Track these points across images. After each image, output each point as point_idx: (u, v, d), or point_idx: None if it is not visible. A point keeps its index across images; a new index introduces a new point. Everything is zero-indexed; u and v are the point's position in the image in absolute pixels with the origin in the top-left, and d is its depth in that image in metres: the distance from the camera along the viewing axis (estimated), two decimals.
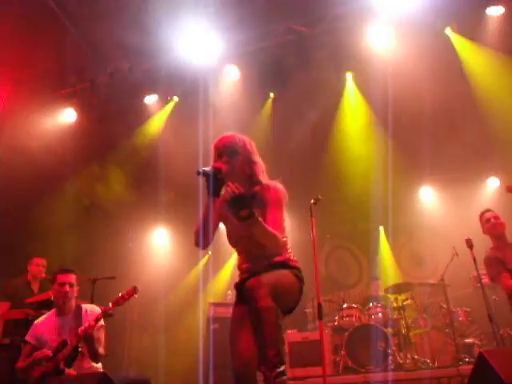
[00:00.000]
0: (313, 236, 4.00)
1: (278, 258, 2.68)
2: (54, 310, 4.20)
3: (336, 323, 6.77)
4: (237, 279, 2.81)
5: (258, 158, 2.86)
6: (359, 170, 8.01)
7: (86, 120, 7.65)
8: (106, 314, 3.92)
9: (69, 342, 3.85)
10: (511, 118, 6.89)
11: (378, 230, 8.88)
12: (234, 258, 9.05)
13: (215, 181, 2.64)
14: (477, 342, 6.30)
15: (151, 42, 6.35)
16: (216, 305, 7.48)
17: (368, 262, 8.92)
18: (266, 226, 2.53)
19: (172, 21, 6.18)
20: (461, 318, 6.59)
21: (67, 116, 7.64)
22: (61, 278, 4.15)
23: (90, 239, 7.97)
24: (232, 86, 7.00)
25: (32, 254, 6.10)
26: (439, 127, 7.32)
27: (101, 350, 4.00)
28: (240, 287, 2.73)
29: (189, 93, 7.13)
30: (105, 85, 7.39)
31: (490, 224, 4.88)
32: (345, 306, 6.94)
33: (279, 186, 2.78)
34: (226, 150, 2.75)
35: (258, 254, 2.68)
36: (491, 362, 1.95)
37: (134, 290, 3.97)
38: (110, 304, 3.93)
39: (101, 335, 4.05)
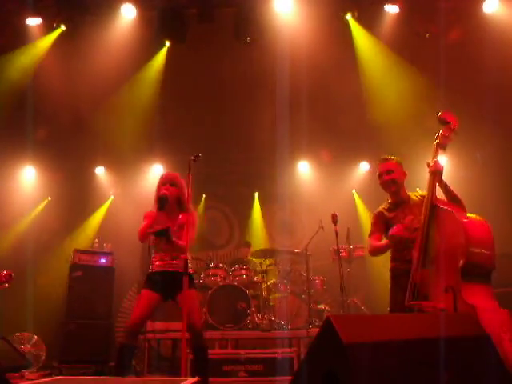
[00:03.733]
0: (188, 193, 4.04)
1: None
2: None
3: (201, 281, 6.91)
4: None
5: (186, 192, 4.08)
6: (245, 132, 8.10)
7: None
8: None
9: None
10: (389, 109, 7.38)
11: (253, 196, 9.13)
12: (105, 207, 8.72)
13: (164, 201, 3.95)
14: (327, 308, 6.93)
15: None
16: (80, 252, 7.22)
17: (239, 225, 9.15)
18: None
19: None
20: (317, 286, 7.13)
21: None
22: None
23: None
24: (127, 25, 6.55)
25: None
26: (319, 110, 7.61)
27: None
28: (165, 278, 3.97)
29: (78, 24, 6.53)
30: None
31: (381, 180, 4.07)
32: (211, 265, 7.10)
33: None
34: (170, 181, 4.12)
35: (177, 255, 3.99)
36: (335, 325, 2.11)
37: (8, 278, 3.50)
38: None
39: None
